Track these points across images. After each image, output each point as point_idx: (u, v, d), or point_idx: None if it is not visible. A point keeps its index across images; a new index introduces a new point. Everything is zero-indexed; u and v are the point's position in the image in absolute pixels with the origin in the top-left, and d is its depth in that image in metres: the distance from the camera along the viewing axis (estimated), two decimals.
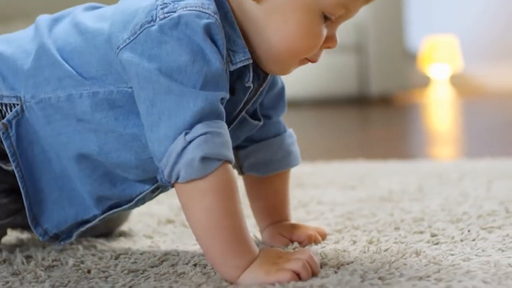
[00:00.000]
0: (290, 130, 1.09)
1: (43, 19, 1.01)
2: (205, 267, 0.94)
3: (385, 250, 0.98)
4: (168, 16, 0.88)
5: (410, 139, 2.75)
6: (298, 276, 0.85)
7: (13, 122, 0.97)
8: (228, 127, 0.92)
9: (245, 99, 0.96)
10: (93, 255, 1.03)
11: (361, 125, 3.39)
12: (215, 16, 0.88)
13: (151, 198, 1.02)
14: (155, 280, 0.91)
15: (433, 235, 1.06)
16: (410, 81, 4.43)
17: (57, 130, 0.96)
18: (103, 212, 1.00)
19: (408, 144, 2.56)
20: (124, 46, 0.90)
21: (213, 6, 0.89)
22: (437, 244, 1.02)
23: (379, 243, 1.03)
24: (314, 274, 0.87)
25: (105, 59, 0.93)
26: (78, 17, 0.98)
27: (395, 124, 3.28)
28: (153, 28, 0.88)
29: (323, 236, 1.07)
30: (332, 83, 4.12)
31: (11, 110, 0.97)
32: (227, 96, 0.90)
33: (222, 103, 0.90)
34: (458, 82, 4.82)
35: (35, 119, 0.96)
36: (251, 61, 0.92)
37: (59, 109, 0.95)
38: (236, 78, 0.94)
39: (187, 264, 0.96)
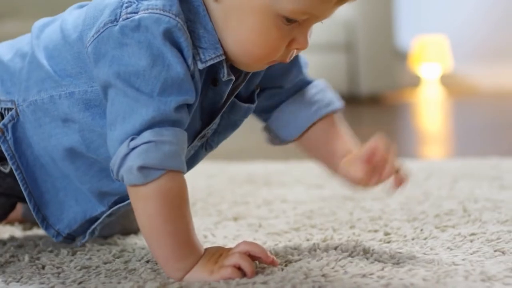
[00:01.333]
0: (315, 82, 1.05)
1: (39, 21, 1.02)
2: (156, 264, 0.96)
3: (335, 248, 0.99)
4: (130, 17, 0.87)
5: (396, 138, 2.76)
6: (242, 270, 0.87)
7: (9, 126, 0.98)
8: (218, 114, 0.95)
9: (228, 90, 0.95)
10: (50, 251, 1.05)
11: (349, 124, 3.40)
12: (177, 18, 0.87)
13: None
14: (105, 276, 0.92)
15: (386, 234, 1.08)
16: (400, 80, 4.44)
17: (47, 133, 0.96)
18: (110, 207, 1.00)
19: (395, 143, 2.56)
20: (90, 44, 0.90)
21: (176, 7, 0.88)
22: (388, 242, 1.03)
23: (332, 241, 1.04)
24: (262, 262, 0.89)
25: (79, 57, 0.93)
26: (65, 16, 0.99)
27: (383, 124, 3.29)
28: (115, 28, 0.88)
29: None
30: None
31: (8, 114, 0.98)
32: (192, 99, 0.89)
33: (190, 106, 0.90)
34: (448, 82, 4.83)
35: (28, 123, 0.97)
36: (223, 57, 0.91)
37: (46, 111, 0.96)
38: (214, 72, 0.93)
39: (139, 260, 0.98)
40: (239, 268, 0.87)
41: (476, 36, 4.81)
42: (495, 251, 0.96)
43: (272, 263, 0.90)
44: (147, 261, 0.98)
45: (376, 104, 4.06)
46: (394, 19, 4.19)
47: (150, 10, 0.87)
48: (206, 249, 0.90)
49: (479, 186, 1.44)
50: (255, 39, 0.89)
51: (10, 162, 0.98)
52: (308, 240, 1.06)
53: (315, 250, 0.99)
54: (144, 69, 0.86)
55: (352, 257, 0.95)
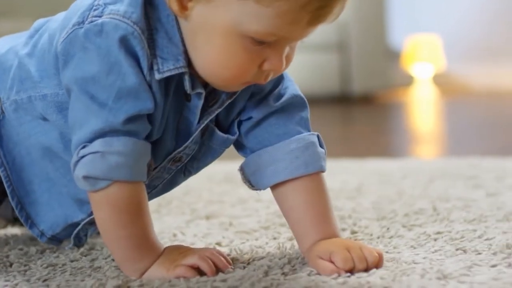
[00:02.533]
0: (301, 136, 0.96)
1: (39, 20, 1.00)
2: None
3: (291, 248, 1.01)
4: (94, 21, 0.87)
5: (387, 138, 2.77)
6: (200, 271, 0.88)
7: None
8: (191, 137, 0.92)
9: (200, 105, 0.91)
10: (20, 249, 1.06)
11: (341, 123, 3.42)
12: (134, 26, 0.85)
13: None
14: (70, 274, 0.93)
15: (353, 232, 1.09)
16: (392, 80, 4.45)
17: (27, 132, 0.96)
18: (89, 215, 0.98)
19: (381, 143, 2.57)
20: (59, 45, 0.89)
21: (137, 14, 0.86)
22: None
23: (290, 241, 1.05)
24: (220, 270, 0.89)
25: (54, 58, 0.92)
26: (57, 15, 0.98)
27: (375, 123, 3.30)
28: (81, 31, 0.87)
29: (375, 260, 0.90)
30: (314, 82, 4.14)
31: None
32: (149, 109, 0.87)
33: (151, 116, 0.88)
34: (441, 81, 4.84)
35: (12, 121, 0.97)
36: (183, 70, 0.88)
37: (26, 111, 0.95)
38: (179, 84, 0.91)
39: (105, 259, 0.99)
40: (198, 269, 0.88)
41: (469, 35, 4.82)
42: (457, 249, 0.97)
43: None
44: (114, 259, 0.99)
45: (368, 104, 4.07)
46: (386, 18, 4.20)
47: (111, 15, 0.86)
48: (165, 248, 0.91)
49: (454, 185, 1.45)
50: (221, 60, 0.86)
51: None
52: (275, 238, 1.07)
53: (279, 249, 1.00)
54: (100, 76, 0.86)
55: None
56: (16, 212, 1.00)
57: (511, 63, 4.77)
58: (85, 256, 1.01)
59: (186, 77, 0.89)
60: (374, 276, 0.87)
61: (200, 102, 0.92)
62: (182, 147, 0.94)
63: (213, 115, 0.94)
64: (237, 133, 0.97)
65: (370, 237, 1.06)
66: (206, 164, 1.00)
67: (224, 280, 0.86)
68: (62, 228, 1.00)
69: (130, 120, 0.86)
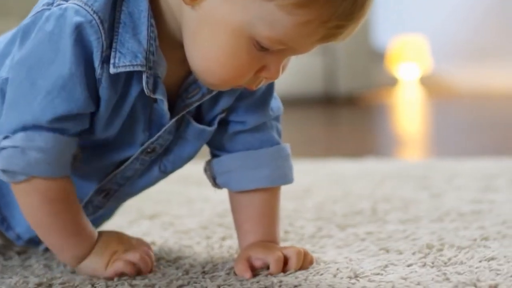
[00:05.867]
0: (282, 146, 0.98)
1: None
2: (51, 260, 0.99)
3: (230, 247, 1.03)
4: (60, 5, 0.85)
5: (372, 139, 2.77)
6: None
7: None
8: (164, 128, 0.90)
9: (165, 108, 0.89)
10: None
11: (326, 124, 3.44)
12: (94, 15, 0.83)
13: (104, 205, 0.99)
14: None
15: (286, 232, 1.11)
16: (378, 81, 4.46)
17: None
18: None
19: (363, 144, 2.58)
20: (24, 23, 0.88)
21: (99, 3, 0.84)
22: (284, 241, 1.06)
23: (230, 240, 1.07)
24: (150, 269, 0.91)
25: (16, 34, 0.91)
26: None
27: (360, 124, 3.32)
28: (46, 13, 0.85)
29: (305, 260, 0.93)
30: (298, 83, 4.15)
31: None
32: (82, 107, 0.85)
33: (95, 114, 0.87)
34: (427, 82, 4.86)
35: None
36: (140, 68, 0.85)
37: None
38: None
39: (38, 257, 1.01)
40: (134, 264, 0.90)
41: (455, 36, 4.83)
42: (380, 249, 0.99)
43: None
44: (46, 258, 1.01)
45: (353, 105, 4.08)
46: (372, 18, 4.21)
47: (75, 1, 0.84)
48: (101, 233, 0.92)
49: (402, 186, 1.47)
50: (221, 58, 0.83)
51: None
52: (208, 238, 1.09)
53: (206, 248, 1.03)
54: (47, 62, 0.84)
55: (238, 254, 0.98)
56: None
57: (498, 64, 4.78)
58: (20, 254, 1.03)
59: (144, 77, 0.86)
60: (290, 275, 0.89)
61: (164, 107, 0.89)
62: (155, 137, 0.92)
63: (191, 108, 0.92)
64: (215, 126, 0.95)
65: (301, 237, 1.08)
66: (182, 159, 0.96)
67: (144, 278, 0.89)
68: None
69: (58, 119, 0.85)
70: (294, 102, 4.20)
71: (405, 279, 0.85)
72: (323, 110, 3.93)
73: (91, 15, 0.84)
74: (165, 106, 0.89)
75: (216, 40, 0.83)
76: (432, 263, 0.91)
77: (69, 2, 0.85)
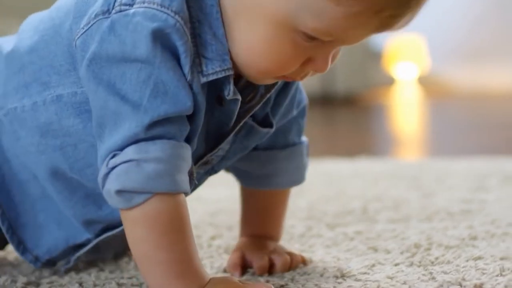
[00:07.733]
0: (301, 147, 0.94)
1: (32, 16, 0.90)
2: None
3: (219, 246, 1.03)
4: (124, 11, 0.75)
5: (369, 139, 2.78)
6: None
7: None
8: (226, 138, 0.83)
9: (237, 110, 0.82)
10: None
11: (324, 124, 3.44)
12: (176, 16, 0.74)
13: None
14: None
15: None
16: (375, 81, 4.48)
17: (25, 148, 0.85)
18: (97, 236, 0.88)
19: (360, 144, 2.58)
20: (78, 38, 0.78)
21: (177, 2, 0.75)
22: None
23: (220, 240, 1.07)
24: None
25: (69, 51, 0.81)
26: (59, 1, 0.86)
27: (357, 124, 3.32)
28: (106, 22, 0.75)
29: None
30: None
31: None
32: (187, 110, 0.76)
33: (191, 118, 0.77)
34: (425, 82, 4.86)
35: (6, 134, 0.86)
36: (230, 72, 0.77)
37: (23, 122, 0.84)
38: (219, 88, 0.80)
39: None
40: None
41: (453, 36, 4.84)
42: (369, 248, 0.99)
43: None
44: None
45: (351, 104, 4.09)
46: None
47: (146, 4, 0.74)
48: (210, 279, 0.77)
49: (395, 186, 1.48)
50: (264, 50, 0.76)
51: None
52: (198, 237, 1.10)
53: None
54: (131, 71, 0.74)
55: (228, 253, 0.99)
56: (7, 237, 0.89)
57: (496, 64, 4.79)
58: (8, 254, 1.03)
59: (231, 81, 0.78)
60: (278, 275, 0.89)
61: (237, 108, 0.81)
62: (216, 149, 0.84)
63: (252, 112, 0.84)
64: (274, 124, 0.89)
65: (291, 237, 1.08)
66: (232, 162, 0.90)
67: (130, 277, 0.89)
68: (61, 250, 0.89)
69: (168, 121, 0.75)
70: None
71: (391, 278, 0.86)
72: (321, 109, 3.94)
73: (172, 17, 0.74)
74: (238, 106, 0.81)
75: (256, 30, 0.75)
76: (419, 262, 0.91)
77: (135, 6, 0.75)
